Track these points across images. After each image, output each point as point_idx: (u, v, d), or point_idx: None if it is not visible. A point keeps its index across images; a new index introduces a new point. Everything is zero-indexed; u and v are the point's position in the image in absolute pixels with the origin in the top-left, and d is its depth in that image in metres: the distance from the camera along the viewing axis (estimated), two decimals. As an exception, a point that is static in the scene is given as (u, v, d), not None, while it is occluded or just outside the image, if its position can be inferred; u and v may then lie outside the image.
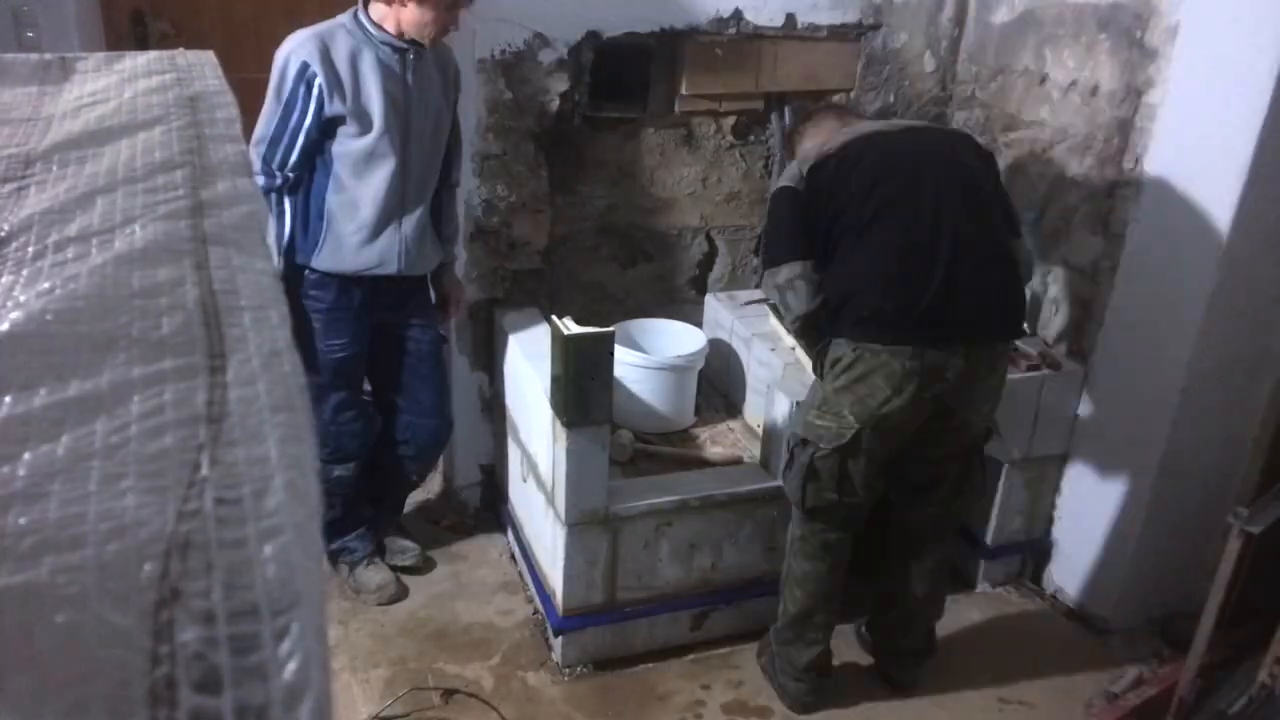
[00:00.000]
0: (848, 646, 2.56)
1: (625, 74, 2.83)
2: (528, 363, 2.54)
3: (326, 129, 2.29)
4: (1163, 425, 2.49)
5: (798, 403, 2.36)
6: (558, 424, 2.28)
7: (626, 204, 3.00)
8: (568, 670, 2.49)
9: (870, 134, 2.23)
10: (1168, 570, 2.65)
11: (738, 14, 2.79)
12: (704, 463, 2.64)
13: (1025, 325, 2.47)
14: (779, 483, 2.41)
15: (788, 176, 2.27)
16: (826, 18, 2.88)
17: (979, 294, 2.11)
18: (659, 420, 2.74)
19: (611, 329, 2.31)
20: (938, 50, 3.04)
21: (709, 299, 3.06)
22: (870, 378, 2.11)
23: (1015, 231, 2.23)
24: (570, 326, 2.21)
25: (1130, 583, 2.66)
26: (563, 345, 2.18)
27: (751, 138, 3.04)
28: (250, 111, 0.83)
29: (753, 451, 2.66)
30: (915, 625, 2.45)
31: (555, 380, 2.26)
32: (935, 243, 2.09)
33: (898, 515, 2.40)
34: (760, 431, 2.64)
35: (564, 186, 2.88)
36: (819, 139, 2.33)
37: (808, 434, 2.21)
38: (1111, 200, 2.57)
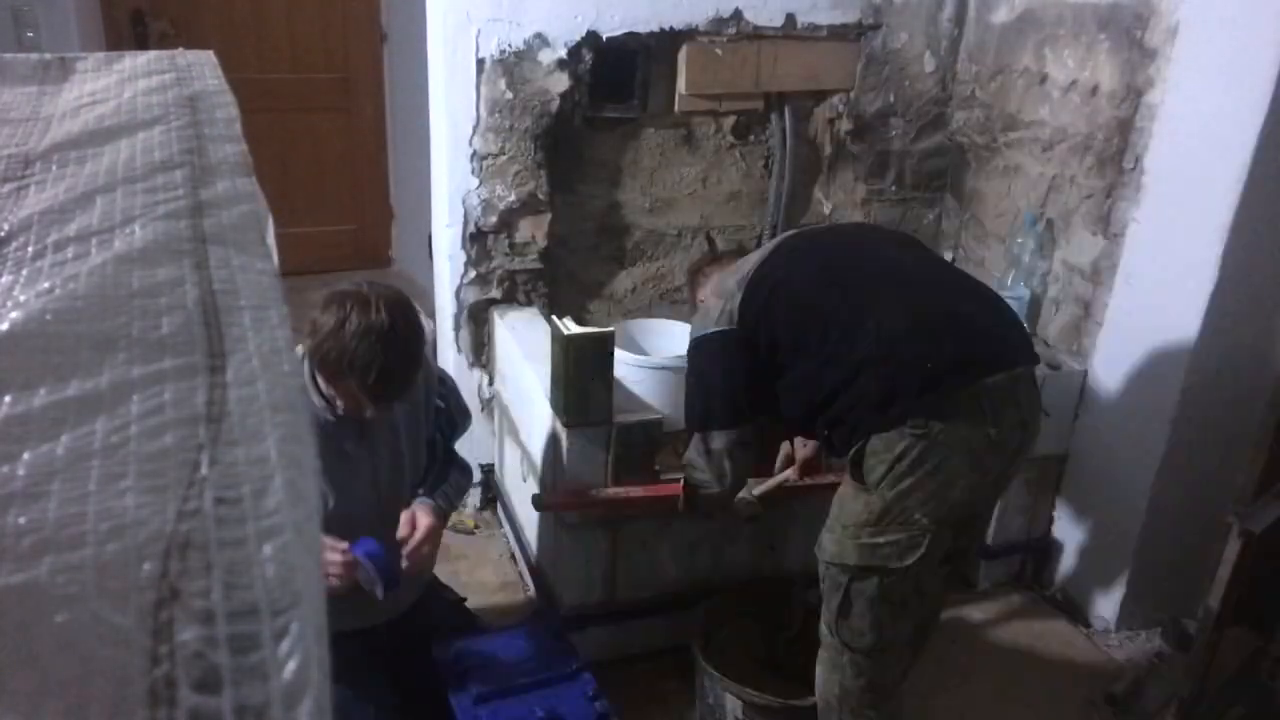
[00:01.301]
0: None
1: (625, 74, 2.83)
2: (528, 363, 2.54)
3: None
4: (1163, 425, 2.49)
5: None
6: (558, 424, 2.28)
7: (626, 204, 3.00)
8: (568, 670, 2.49)
9: (786, 237, 2.06)
10: (1168, 570, 2.65)
11: (737, 14, 2.79)
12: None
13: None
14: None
15: (711, 320, 1.94)
16: (826, 18, 2.88)
17: (994, 326, 1.87)
18: (659, 420, 2.73)
19: (611, 329, 2.31)
20: (938, 50, 3.04)
21: (709, 299, 3.06)
22: (945, 462, 1.72)
23: None
24: (570, 326, 2.21)
25: (1130, 583, 2.66)
26: (563, 345, 2.18)
27: (751, 138, 3.04)
28: (250, 111, 0.83)
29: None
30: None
31: (555, 380, 2.26)
32: (932, 294, 1.87)
33: None
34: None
35: (564, 186, 2.88)
36: (722, 276, 2.10)
37: (866, 560, 1.77)
38: (1111, 200, 2.57)
